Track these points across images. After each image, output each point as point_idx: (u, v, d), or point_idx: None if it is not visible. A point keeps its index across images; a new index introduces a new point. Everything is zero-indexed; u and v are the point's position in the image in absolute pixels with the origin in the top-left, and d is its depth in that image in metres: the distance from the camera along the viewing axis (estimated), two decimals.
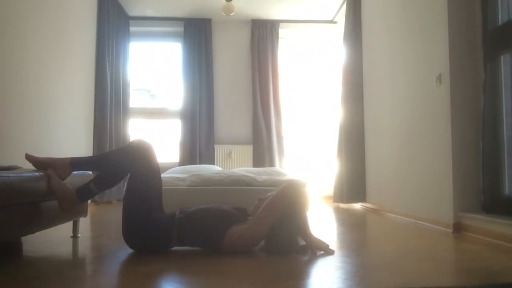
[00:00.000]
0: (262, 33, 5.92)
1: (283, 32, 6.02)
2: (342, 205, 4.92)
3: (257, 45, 5.90)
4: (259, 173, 3.81)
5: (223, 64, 5.96)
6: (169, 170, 4.41)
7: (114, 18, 5.20)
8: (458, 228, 2.78)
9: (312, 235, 2.13)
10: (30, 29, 3.30)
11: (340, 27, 5.58)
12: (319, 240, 2.14)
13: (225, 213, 2.14)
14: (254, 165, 5.60)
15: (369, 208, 4.57)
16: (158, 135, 6.21)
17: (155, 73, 6.59)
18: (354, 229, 3.23)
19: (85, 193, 2.05)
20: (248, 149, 5.78)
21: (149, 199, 2.13)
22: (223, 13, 5.09)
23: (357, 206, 4.87)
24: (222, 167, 5.53)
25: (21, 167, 2.26)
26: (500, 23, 2.68)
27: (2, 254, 2.05)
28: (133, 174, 2.12)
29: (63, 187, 2.03)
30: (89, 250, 2.38)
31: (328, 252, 2.09)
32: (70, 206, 2.05)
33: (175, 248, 2.18)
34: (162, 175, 3.86)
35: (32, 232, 2.05)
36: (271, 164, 5.65)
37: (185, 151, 5.71)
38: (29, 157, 2.07)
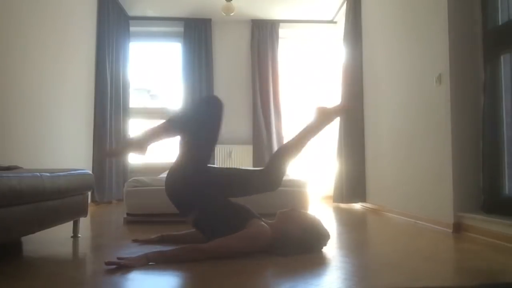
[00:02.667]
0: (262, 33, 5.92)
1: (283, 32, 6.01)
2: (342, 205, 4.92)
3: (257, 45, 5.90)
4: None
5: (223, 64, 5.96)
6: None
7: (114, 18, 5.20)
8: (458, 228, 2.78)
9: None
10: (30, 30, 3.30)
11: (340, 27, 5.58)
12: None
13: (244, 208, 2.18)
14: (254, 165, 5.60)
15: (369, 208, 4.57)
16: None
17: (155, 73, 6.60)
18: (354, 229, 3.23)
19: (149, 136, 2.25)
20: (248, 149, 5.78)
21: (201, 150, 2.23)
22: (223, 13, 5.09)
23: (357, 206, 4.87)
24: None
25: (21, 167, 2.26)
26: (500, 23, 2.68)
27: (2, 254, 2.05)
28: (196, 127, 2.21)
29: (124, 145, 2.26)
30: (89, 250, 2.38)
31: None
32: (141, 150, 2.24)
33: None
34: (162, 175, 3.88)
35: (32, 232, 2.05)
36: None
37: None
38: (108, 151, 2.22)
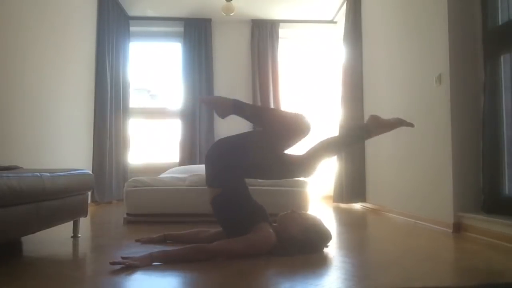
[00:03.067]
0: (262, 33, 5.92)
1: (283, 32, 6.01)
2: (342, 205, 4.92)
3: (257, 45, 5.90)
4: None
5: (223, 64, 5.96)
6: (169, 170, 4.42)
7: (114, 18, 5.20)
8: (458, 228, 2.78)
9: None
10: (30, 30, 3.30)
11: (340, 27, 5.58)
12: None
13: (260, 209, 2.19)
14: None
15: (369, 208, 4.57)
16: (158, 135, 6.21)
17: (155, 73, 6.60)
18: (354, 229, 3.23)
19: (239, 107, 2.24)
20: None
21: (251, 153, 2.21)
22: (223, 13, 5.09)
23: (357, 206, 4.87)
24: None
25: (21, 167, 2.26)
26: (500, 23, 2.68)
27: (2, 254, 2.05)
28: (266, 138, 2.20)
29: (220, 97, 2.31)
30: (89, 250, 2.38)
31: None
32: (225, 112, 2.30)
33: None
34: (162, 175, 3.89)
35: (32, 232, 2.05)
36: None
37: (185, 151, 5.71)
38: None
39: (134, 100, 6.23)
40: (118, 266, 1.74)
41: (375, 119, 2.23)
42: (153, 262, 1.81)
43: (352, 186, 4.76)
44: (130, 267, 1.74)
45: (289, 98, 6.10)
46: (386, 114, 4.03)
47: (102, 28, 4.91)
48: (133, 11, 5.70)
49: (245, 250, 1.96)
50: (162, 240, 2.40)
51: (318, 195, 5.66)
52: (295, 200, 3.39)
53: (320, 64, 6.19)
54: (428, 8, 3.20)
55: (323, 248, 2.17)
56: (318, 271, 1.83)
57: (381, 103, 4.24)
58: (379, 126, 2.23)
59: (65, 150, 3.98)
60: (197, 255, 1.89)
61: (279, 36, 5.95)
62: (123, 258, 1.79)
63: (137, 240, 2.41)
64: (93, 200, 4.55)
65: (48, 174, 2.11)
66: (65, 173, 2.34)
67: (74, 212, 2.50)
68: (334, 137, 2.27)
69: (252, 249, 1.97)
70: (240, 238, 1.99)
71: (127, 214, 3.32)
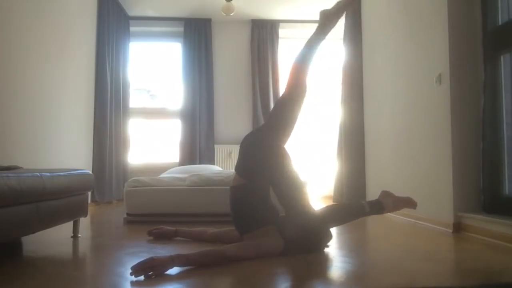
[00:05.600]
0: (262, 33, 5.92)
1: (283, 32, 6.01)
2: None
3: (257, 45, 5.90)
4: None
5: (223, 64, 5.96)
6: (169, 170, 4.42)
7: (114, 18, 5.20)
8: (458, 228, 2.78)
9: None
10: (30, 30, 3.30)
11: (340, 27, 5.58)
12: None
13: (274, 210, 2.19)
14: None
15: None
16: (158, 135, 6.21)
17: (155, 73, 6.59)
18: (354, 229, 3.22)
19: None
20: None
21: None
22: (223, 13, 5.09)
23: None
24: (222, 167, 5.53)
25: (21, 167, 2.26)
26: (500, 23, 2.68)
27: (2, 254, 2.05)
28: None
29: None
30: (89, 250, 2.38)
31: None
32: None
33: (181, 246, 2.18)
34: (162, 175, 3.89)
35: (32, 232, 2.05)
36: None
37: (185, 151, 5.71)
38: None
39: (134, 100, 6.23)
40: (141, 277, 1.66)
41: (388, 195, 2.25)
42: (174, 265, 1.77)
43: (352, 186, 4.76)
44: (156, 272, 1.68)
45: None
46: (386, 113, 4.05)
47: (102, 28, 4.91)
48: (133, 11, 5.70)
49: (257, 256, 1.99)
50: (172, 234, 2.49)
51: (318, 195, 5.66)
52: None
53: (320, 64, 6.19)
54: (428, 8, 3.20)
55: (323, 248, 2.18)
56: (318, 271, 1.83)
57: (381, 103, 4.25)
58: (396, 202, 2.24)
59: (65, 150, 3.97)
60: (215, 259, 1.89)
61: (279, 36, 5.95)
62: (145, 263, 1.69)
63: (148, 232, 2.49)
64: (93, 200, 4.55)
65: (48, 174, 2.12)
66: (65, 173, 2.34)
67: (74, 212, 2.50)
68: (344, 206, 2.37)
69: (262, 255, 2.01)
70: (252, 244, 2.02)
71: (127, 214, 3.32)
